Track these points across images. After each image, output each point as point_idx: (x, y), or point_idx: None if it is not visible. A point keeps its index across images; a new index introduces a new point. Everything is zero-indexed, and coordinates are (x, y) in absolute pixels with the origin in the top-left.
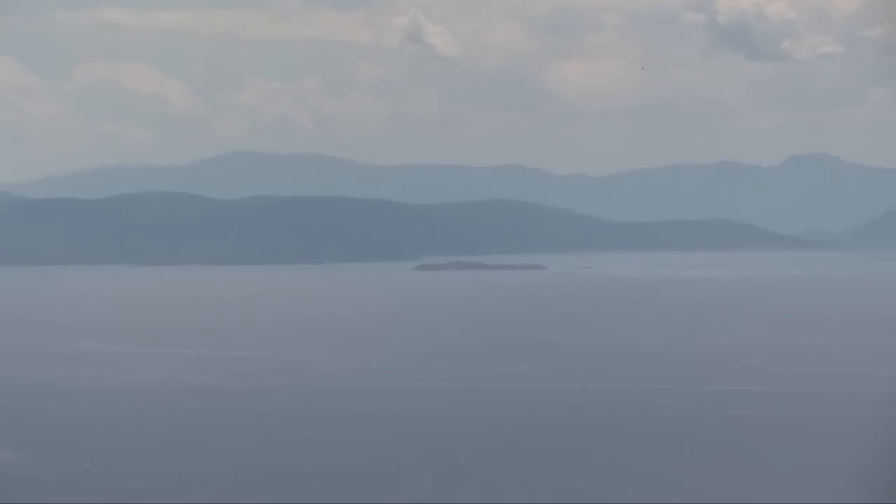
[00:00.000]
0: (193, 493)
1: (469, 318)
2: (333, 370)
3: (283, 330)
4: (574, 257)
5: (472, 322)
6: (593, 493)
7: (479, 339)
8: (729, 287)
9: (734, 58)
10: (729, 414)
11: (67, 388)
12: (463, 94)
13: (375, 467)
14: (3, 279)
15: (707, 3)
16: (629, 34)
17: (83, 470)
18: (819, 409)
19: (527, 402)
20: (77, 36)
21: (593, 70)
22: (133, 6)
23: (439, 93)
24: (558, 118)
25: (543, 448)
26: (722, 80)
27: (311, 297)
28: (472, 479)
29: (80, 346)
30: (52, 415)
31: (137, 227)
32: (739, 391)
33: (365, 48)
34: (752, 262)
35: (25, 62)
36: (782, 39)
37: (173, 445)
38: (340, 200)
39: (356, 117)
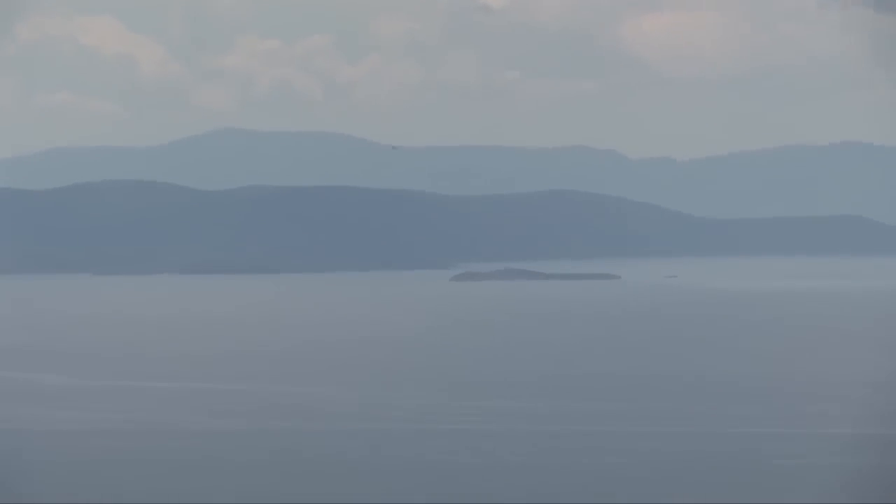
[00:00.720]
0: None
1: (521, 341)
2: (350, 408)
3: (286, 356)
4: (656, 264)
5: (524, 347)
6: None
7: (535, 369)
8: (853, 302)
9: (861, 10)
10: (850, 462)
11: (10, 431)
12: (513, 56)
13: None
14: None
15: None
16: None
17: None
18: None
19: (604, 451)
20: None
21: (681, 26)
22: None
23: (482, 54)
24: (635, 87)
25: None
26: (844, 39)
27: (321, 314)
28: None
29: (27, 377)
30: None
31: (97, 226)
32: (866, 435)
33: None
34: (883, 269)
35: None
36: None
37: None
38: (356, 192)
39: (376, 85)
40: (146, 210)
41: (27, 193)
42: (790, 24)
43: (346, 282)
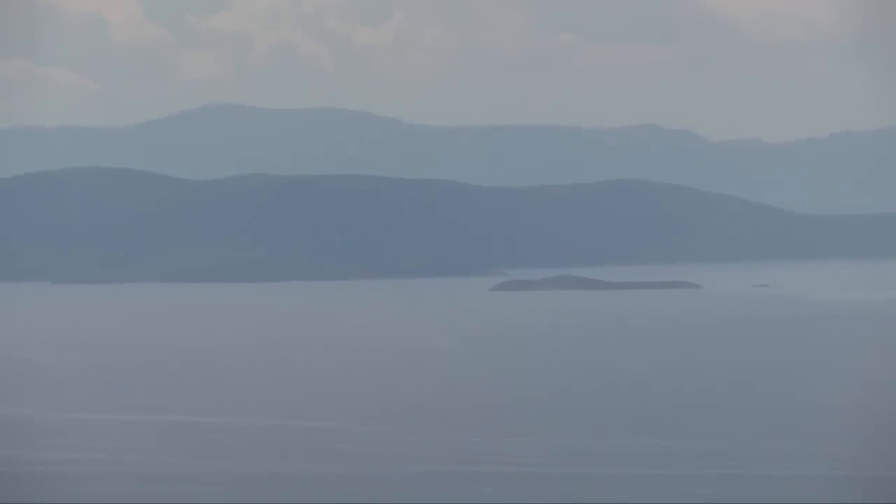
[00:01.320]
0: None
1: (582, 366)
2: (372, 447)
3: (294, 383)
4: (744, 269)
5: (586, 373)
6: None
7: (602, 402)
8: None
9: None
10: None
11: None
12: (566, 15)
13: None
14: None
15: None
16: None
17: None
18: None
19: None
20: None
21: None
22: None
23: (529, 14)
24: (718, 55)
25: None
26: None
27: (333, 331)
28: None
29: None
30: None
31: (58, 224)
32: None
33: None
34: None
35: None
36: None
37: None
38: (377, 182)
39: (401, 52)
40: (119, 204)
41: None
42: None
43: (362, 292)
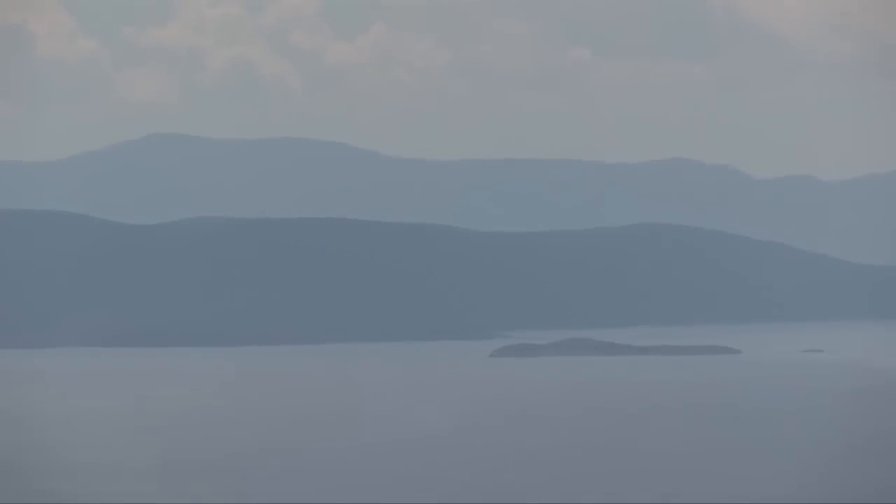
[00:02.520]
0: None
1: (587, 449)
2: None
3: (233, 466)
4: (793, 331)
5: (600, 460)
6: None
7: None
8: None
9: None
10: None
11: None
12: (582, 27)
13: None
14: None
15: None
16: None
17: None
18: None
19: None
20: None
21: None
22: None
23: (537, 25)
24: (763, 74)
25: None
26: None
27: (294, 410)
28: None
29: None
30: None
31: None
32: None
33: None
34: None
35: None
36: None
37: None
38: (353, 226)
39: (382, 71)
40: (44, 253)
41: None
42: None
43: (332, 357)
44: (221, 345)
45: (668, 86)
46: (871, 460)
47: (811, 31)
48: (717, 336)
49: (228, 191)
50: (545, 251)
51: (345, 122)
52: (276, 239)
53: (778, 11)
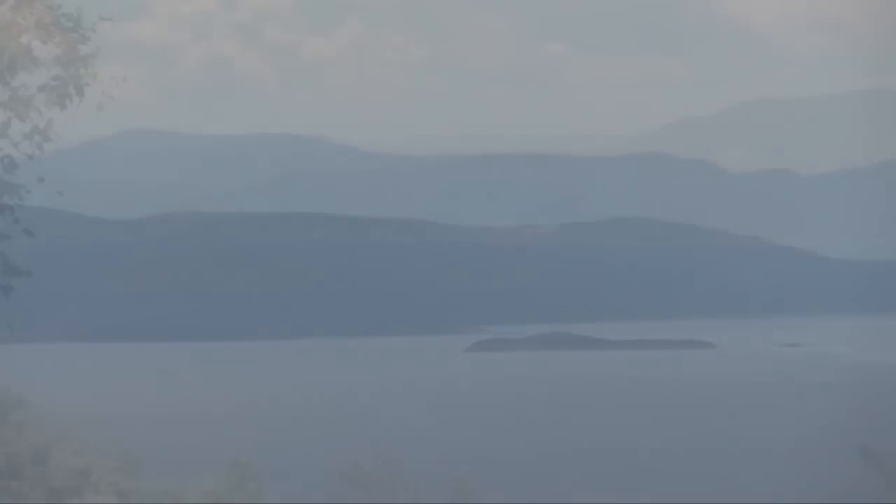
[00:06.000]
0: None
1: (564, 445)
2: None
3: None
4: (769, 325)
5: (579, 461)
6: None
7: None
8: None
9: None
10: None
11: None
12: (557, 22)
13: None
14: None
15: None
16: None
17: None
18: None
19: None
20: None
21: None
22: None
23: (513, 21)
24: (738, 69)
25: None
26: None
27: (271, 406)
28: None
29: None
30: None
31: None
32: None
33: None
34: None
35: None
36: None
37: None
38: (331, 222)
39: (358, 66)
40: (15, 250)
41: None
42: None
43: (307, 354)
44: (198, 340)
45: (642, 80)
46: (844, 456)
47: (787, 26)
48: (693, 331)
49: (202, 186)
50: (520, 245)
51: (320, 116)
52: (252, 234)
53: (753, 6)
